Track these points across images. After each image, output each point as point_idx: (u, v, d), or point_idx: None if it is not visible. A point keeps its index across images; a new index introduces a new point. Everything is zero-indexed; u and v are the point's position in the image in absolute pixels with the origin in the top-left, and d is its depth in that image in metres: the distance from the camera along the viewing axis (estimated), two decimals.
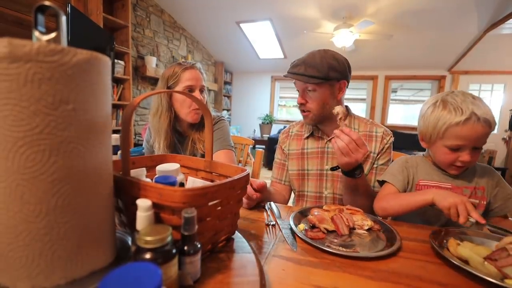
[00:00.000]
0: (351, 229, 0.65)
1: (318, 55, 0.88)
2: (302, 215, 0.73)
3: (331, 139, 0.96)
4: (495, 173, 0.80)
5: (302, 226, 0.65)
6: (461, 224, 0.60)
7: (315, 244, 0.57)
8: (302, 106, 0.94)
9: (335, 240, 0.60)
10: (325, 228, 0.64)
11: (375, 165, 0.95)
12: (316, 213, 0.67)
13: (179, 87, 1.03)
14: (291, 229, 0.64)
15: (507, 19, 2.83)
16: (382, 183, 0.86)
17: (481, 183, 0.78)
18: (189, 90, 1.03)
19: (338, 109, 0.77)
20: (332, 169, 0.85)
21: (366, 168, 0.94)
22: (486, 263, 0.48)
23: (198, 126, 1.11)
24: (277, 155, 1.09)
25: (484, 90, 4.40)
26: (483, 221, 0.58)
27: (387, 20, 3.33)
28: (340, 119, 0.77)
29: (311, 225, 0.66)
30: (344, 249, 0.55)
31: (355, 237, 0.63)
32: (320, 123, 0.98)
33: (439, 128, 0.72)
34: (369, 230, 0.66)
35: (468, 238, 0.61)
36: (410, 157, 0.87)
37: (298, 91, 0.95)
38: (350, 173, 0.79)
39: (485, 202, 0.77)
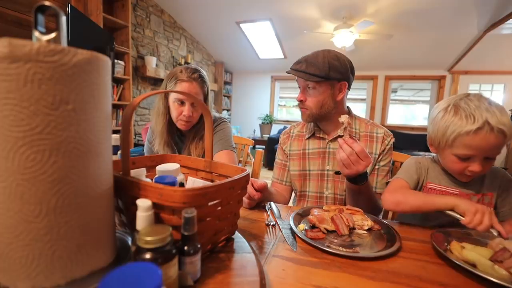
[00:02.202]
0: (351, 229, 0.65)
1: (321, 54, 0.88)
2: (302, 215, 0.73)
3: (333, 140, 0.96)
4: (507, 176, 0.76)
5: (302, 226, 0.65)
6: (480, 231, 0.58)
7: (315, 244, 0.57)
8: (301, 103, 0.95)
9: (335, 240, 0.60)
10: (325, 228, 0.64)
11: (376, 166, 0.95)
12: (316, 213, 0.67)
13: (171, 97, 1.04)
14: (291, 229, 0.64)
15: (507, 19, 2.83)
16: None
17: (490, 189, 0.75)
18: (181, 101, 1.02)
19: (344, 119, 0.75)
20: (337, 173, 0.85)
21: (368, 170, 0.94)
22: (496, 266, 0.48)
23: (194, 135, 1.10)
24: (278, 156, 1.09)
25: (484, 90, 4.40)
26: (505, 236, 0.55)
27: (387, 20, 3.33)
28: (345, 128, 0.76)
29: (311, 225, 0.66)
30: (344, 249, 0.55)
31: (355, 237, 0.63)
32: (320, 122, 0.98)
33: (448, 135, 0.68)
34: (369, 230, 0.66)
35: (466, 238, 0.61)
36: (421, 158, 0.84)
37: (300, 88, 0.96)
38: (353, 181, 0.79)
39: (492, 209, 0.74)
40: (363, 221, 0.67)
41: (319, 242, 0.58)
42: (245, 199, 0.76)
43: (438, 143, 0.73)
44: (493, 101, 0.66)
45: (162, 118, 1.07)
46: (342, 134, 0.93)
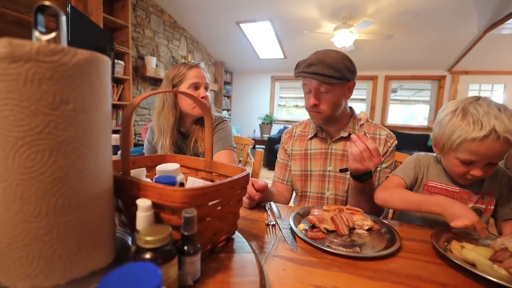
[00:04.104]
0: (351, 229, 0.65)
1: (334, 54, 0.85)
2: (302, 215, 0.73)
3: (335, 141, 0.96)
4: (507, 175, 0.76)
5: (302, 226, 0.65)
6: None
7: (315, 244, 0.57)
8: (314, 107, 0.90)
9: (335, 240, 0.60)
10: (325, 228, 0.64)
11: (378, 168, 0.94)
12: (316, 213, 0.67)
13: (184, 85, 1.05)
14: (291, 229, 0.64)
15: (507, 19, 2.83)
16: None
17: (490, 188, 0.75)
18: (195, 87, 1.06)
19: (362, 115, 0.76)
20: (341, 170, 0.85)
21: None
22: (495, 266, 0.48)
23: (202, 123, 1.11)
24: (280, 155, 1.09)
25: (484, 90, 4.39)
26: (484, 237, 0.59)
27: (387, 20, 3.33)
28: (361, 125, 0.76)
29: (311, 225, 0.66)
30: (344, 249, 0.55)
31: (355, 237, 0.63)
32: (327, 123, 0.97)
33: (454, 139, 0.67)
34: (369, 230, 0.66)
35: (467, 238, 0.61)
36: (422, 156, 0.84)
37: (308, 91, 0.91)
38: (358, 178, 0.79)
39: (492, 207, 0.75)
40: (363, 221, 0.67)
41: (319, 242, 0.58)
42: (245, 199, 0.76)
43: (442, 145, 0.72)
44: (503, 106, 0.65)
45: (173, 112, 1.06)
46: (344, 135, 0.94)
